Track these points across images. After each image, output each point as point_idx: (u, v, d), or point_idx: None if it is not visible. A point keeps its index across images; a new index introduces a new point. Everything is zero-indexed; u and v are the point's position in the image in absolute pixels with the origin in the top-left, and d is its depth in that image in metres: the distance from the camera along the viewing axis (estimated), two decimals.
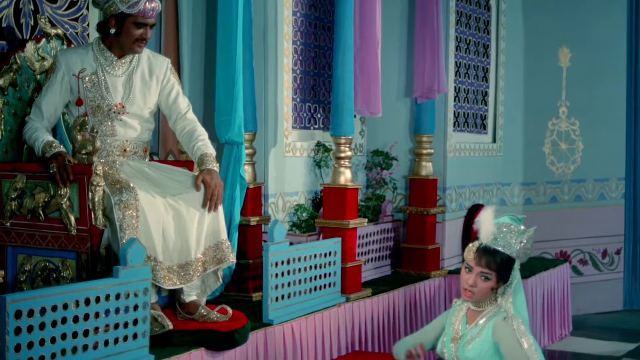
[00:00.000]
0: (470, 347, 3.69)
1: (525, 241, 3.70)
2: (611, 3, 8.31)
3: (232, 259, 4.30)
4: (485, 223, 3.70)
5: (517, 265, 3.74)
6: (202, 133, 4.49)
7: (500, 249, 3.67)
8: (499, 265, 3.68)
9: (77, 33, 4.83)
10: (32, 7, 4.66)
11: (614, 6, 8.31)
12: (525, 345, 3.60)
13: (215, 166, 4.35)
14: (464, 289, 3.72)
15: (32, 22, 4.67)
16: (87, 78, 4.28)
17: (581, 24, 8.22)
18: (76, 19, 4.92)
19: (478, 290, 3.71)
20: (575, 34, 8.25)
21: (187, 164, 4.68)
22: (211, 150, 4.42)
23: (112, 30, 4.28)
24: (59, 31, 4.65)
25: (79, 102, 4.27)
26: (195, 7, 5.61)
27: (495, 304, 3.77)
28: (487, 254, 3.67)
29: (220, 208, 4.30)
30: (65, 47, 4.63)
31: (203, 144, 4.43)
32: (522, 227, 3.73)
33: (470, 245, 3.75)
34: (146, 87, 4.42)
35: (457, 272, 6.75)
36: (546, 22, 8.16)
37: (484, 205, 7.23)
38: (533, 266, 7.18)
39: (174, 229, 4.15)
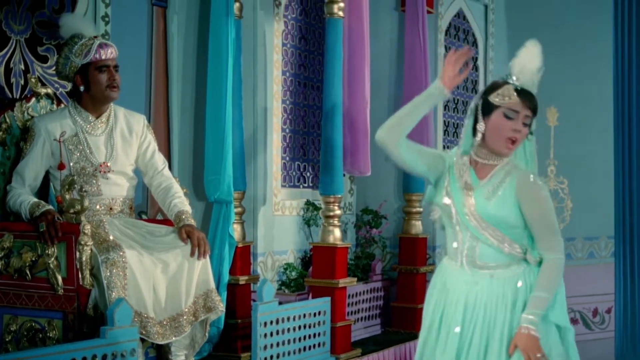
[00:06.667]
0: (492, 203, 3.32)
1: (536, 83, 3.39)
2: (599, 60, 8.37)
3: (221, 307, 4.30)
4: (534, 57, 3.37)
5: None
6: (178, 190, 4.55)
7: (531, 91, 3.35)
8: (536, 109, 3.35)
9: (67, 92, 4.86)
10: (22, 66, 4.69)
11: (602, 64, 8.37)
12: (551, 207, 3.32)
13: (193, 222, 4.38)
14: (507, 138, 3.31)
15: (22, 82, 4.69)
16: (68, 141, 4.31)
17: (569, 84, 8.29)
18: None
19: (521, 136, 3.34)
20: (562, 93, 8.31)
21: None
22: (188, 208, 4.47)
23: (82, 88, 4.36)
24: (49, 90, 4.68)
25: (61, 167, 4.30)
26: (186, 65, 5.64)
27: (507, 158, 3.40)
28: (528, 96, 3.32)
29: (208, 258, 4.31)
30: (55, 106, 4.65)
31: (180, 201, 4.48)
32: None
33: (500, 88, 3.33)
34: (127, 144, 4.46)
35: None
36: None
37: None
38: None
39: (164, 283, 4.15)
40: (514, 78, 3.35)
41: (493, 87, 3.38)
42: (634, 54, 7.84)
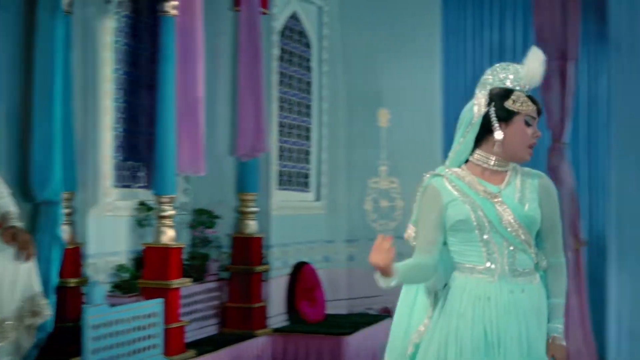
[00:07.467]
0: (527, 206, 3.27)
1: None
2: (429, 61, 8.60)
3: (47, 312, 4.24)
4: (541, 64, 3.28)
5: None
6: (3, 190, 4.41)
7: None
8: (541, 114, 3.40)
9: None
10: None
11: (432, 65, 8.62)
12: None
13: (19, 224, 4.28)
14: (529, 144, 3.27)
15: None
16: None
17: (399, 85, 8.49)
18: None
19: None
20: (393, 94, 8.53)
21: None
22: (13, 208, 4.35)
23: None
24: None
25: None
26: (11, 60, 5.40)
27: (512, 163, 3.36)
28: (536, 101, 3.30)
29: (33, 261, 4.20)
30: None
31: (4, 202, 4.36)
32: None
33: (512, 95, 3.26)
34: None
35: (282, 330, 6.77)
36: (366, 85, 8.39)
37: (310, 264, 7.34)
38: (356, 322, 7.26)
39: None
40: (523, 84, 3.29)
41: (502, 95, 3.28)
42: (461, 55, 8.22)
